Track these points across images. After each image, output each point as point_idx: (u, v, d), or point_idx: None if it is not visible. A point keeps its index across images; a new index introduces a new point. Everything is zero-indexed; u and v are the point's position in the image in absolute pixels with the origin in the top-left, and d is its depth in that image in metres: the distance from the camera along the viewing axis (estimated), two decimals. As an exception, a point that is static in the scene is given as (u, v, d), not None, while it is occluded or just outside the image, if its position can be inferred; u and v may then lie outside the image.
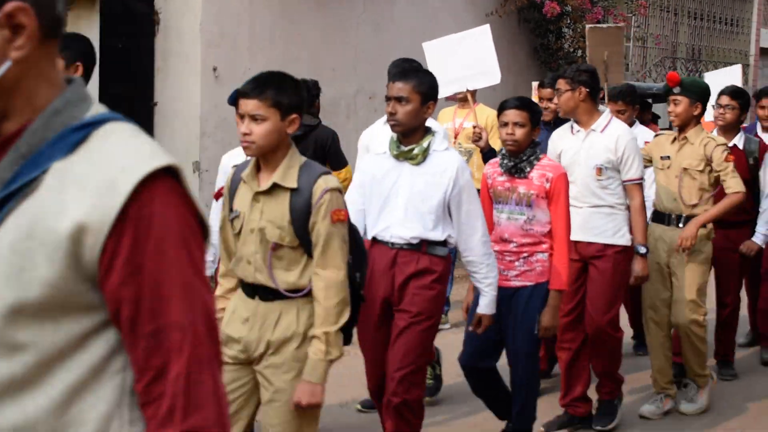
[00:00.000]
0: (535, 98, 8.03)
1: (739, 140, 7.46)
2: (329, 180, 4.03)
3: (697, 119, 6.69)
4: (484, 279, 5.08)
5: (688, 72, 22.51)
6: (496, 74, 7.87)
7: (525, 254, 5.58)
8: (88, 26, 9.72)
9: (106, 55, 9.75)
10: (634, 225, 6.29)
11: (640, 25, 19.79)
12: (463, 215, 4.96)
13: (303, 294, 4.05)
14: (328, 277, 3.96)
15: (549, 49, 14.71)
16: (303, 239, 4.01)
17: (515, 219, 5.60)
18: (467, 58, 7.86)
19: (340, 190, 4.07)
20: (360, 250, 4.29)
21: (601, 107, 6.52)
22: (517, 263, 5.60)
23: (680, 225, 6.61)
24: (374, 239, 5.03)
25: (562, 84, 6.35)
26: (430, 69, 7.84)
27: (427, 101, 4.92)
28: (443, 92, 7.94)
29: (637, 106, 8.08)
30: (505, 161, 5.64)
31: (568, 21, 14.39)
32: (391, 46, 11.50)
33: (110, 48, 9.85)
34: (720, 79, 9.31)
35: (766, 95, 8.34)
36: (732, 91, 7.50)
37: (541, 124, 7.41)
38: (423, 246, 4.95)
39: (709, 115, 8.29)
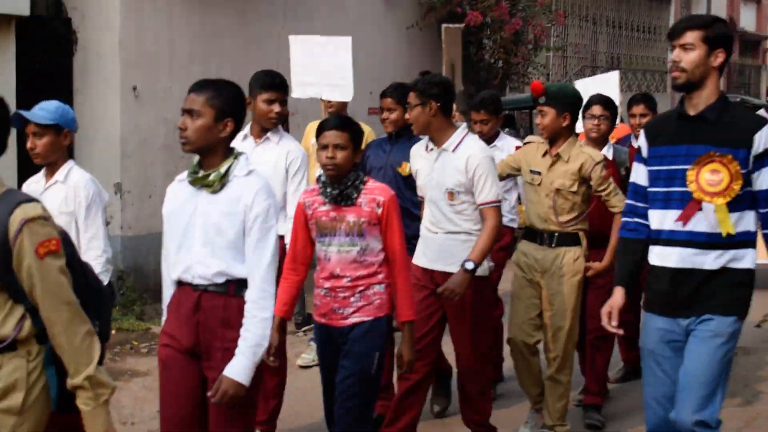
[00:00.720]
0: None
1: (608, 151, 6.93)
2: (29, 209, 3.45)
3: (568, 131, 6.17)
4: (244, 332, 4.20)
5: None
6: (349, 91, 7.57)
7: (361, 288, 5.01)
8: (3, 48, 9.57)
9: (23, 77, 9.61)
10: (477, 242, 5.65)
11: (559, 34, 20.00)
12: (251, 249, 4.24)
13: (8, 345, 3.48)
14: (61, 319, 3.46)
15: (469, 60, 14.79)
16: (4, 280, 3.45)
17: (347, 251, 5.01)
18: (327, 65, 7.56)
19: (46, 218, 3.51)
20: (96, 293, 3.81)
21: (457, 123, 5.99)
22: (352, 299, 5.02)
23: (552, 245, 6.14)
24: (178, 281, 4.37)
25: (412, 98, 5.78)
26: (292, 65, 7.67)
27: (224, 117, 4.24)
28: (298, 93, 7.74)
29: (502, 116, 7.52)
30: (328, 189, 5.02)
31: (488, 32, 14.50)
32: (313, 60, 11.49)
33: (27, 69, 9.70)
34: (595, 87, 8.67)
35: (636, 103, 7.80)
36: (603, 101, 7.00)
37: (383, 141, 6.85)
38: (230, 287, 4.26)
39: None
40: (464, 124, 6.00)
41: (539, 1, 15.24)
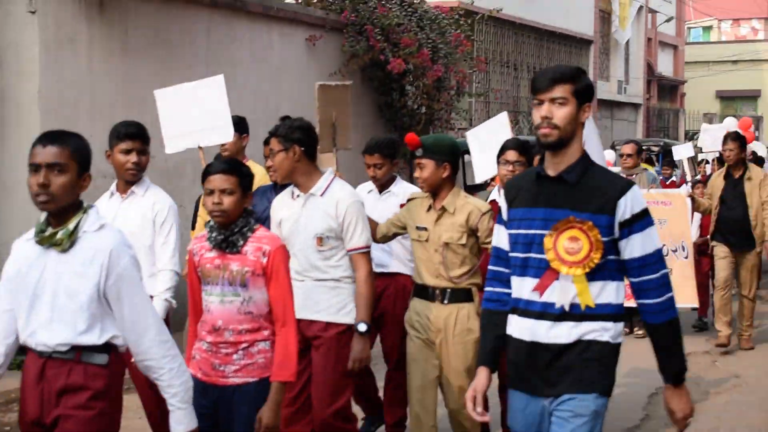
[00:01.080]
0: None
1: None
2: None
3: (449, 182, 5.90)
4: (168, 389, 4.05)
5: (529, 125, 23.13)
6: (229, 130, 7.22)
7: (245, 344, 4.72)
8: None
9: (-60, 126, 9.49)
10: (358, 299, 5.60)
11: (481, 80, 20.24)
12: (127, 311, 3.96)
13: None
14: None
15: (393, 106, 14.93)
16: None
17: (229, 302, 4.72)
18: (200, 110, 7.17)
19: None
20: None
21: (323, 169, 5.81)
22: (235, 356, 4.72)
23: (445, 301, 5.84)
24: (24, 345, 4.07)
25: (274, 143, 5.61)
26: (162, 120, 7.16)
27: (84, 172, 4.02)
28: (172, 148, 7.26)
29: (397, 162, 7.16)
30: (214, 234, 4.77)
31: (411, 78, 14.65)
32: (235, 107, 11.47)
33: (-56, 119, 9.60)
34: (489, 131, 8.29)
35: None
36: (519, 145, 6.67)
37: (269, 188, 6.47)
38: (76, 354, 3.94)
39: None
40: (330, 169, 5.86)
41: (460, 48, 15.43)
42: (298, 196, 5.68)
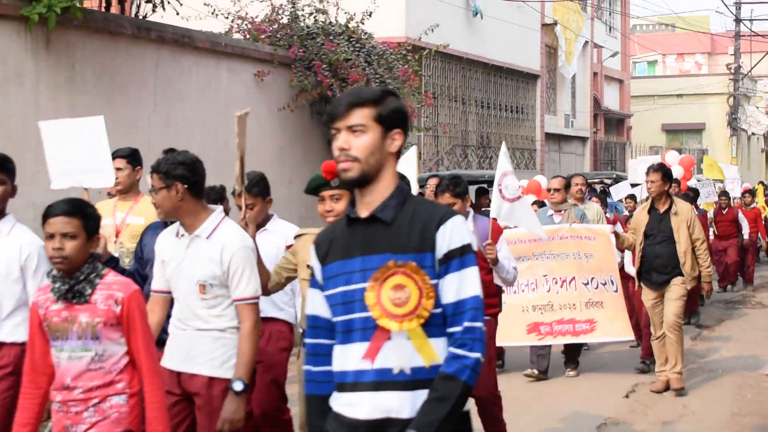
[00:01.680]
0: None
1: None
2: None
3: None
4: None
5: (479, 159, 23.27)
6: (110, 175, 6.82)
7: (95, 400, 4.32)
8: None
9: None
10: (240, 354, 5.03)
11: (429, 115, 20.36)
12: None
13: None
14: None
15: (342, 140, 14.97)
16: None
17: (78, 358, 4.33)
18: (83, 149, 6.76)
19: None
20: None
21: (213, 206, 5.33)
22: (86, 414, 4.33)
23: None
24: None
25: (155, 180, 5.12)
26: (47, 153, 6.84)
27: None
28: (57, 184, 6.86)
29: (270, 198, 6.74)
30: (57, 285, 4.34)
31: (359, 113, 14.69)
32: (183, 142, 11.46)
33: None
34: (402, 162, 8.19)
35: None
36: (454, 181, 6.67)
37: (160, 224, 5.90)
38: None
39: None
40: (220, 207, 5.34)
41: (408, 83, 15.52)
42: (182, 235, 5.17)
